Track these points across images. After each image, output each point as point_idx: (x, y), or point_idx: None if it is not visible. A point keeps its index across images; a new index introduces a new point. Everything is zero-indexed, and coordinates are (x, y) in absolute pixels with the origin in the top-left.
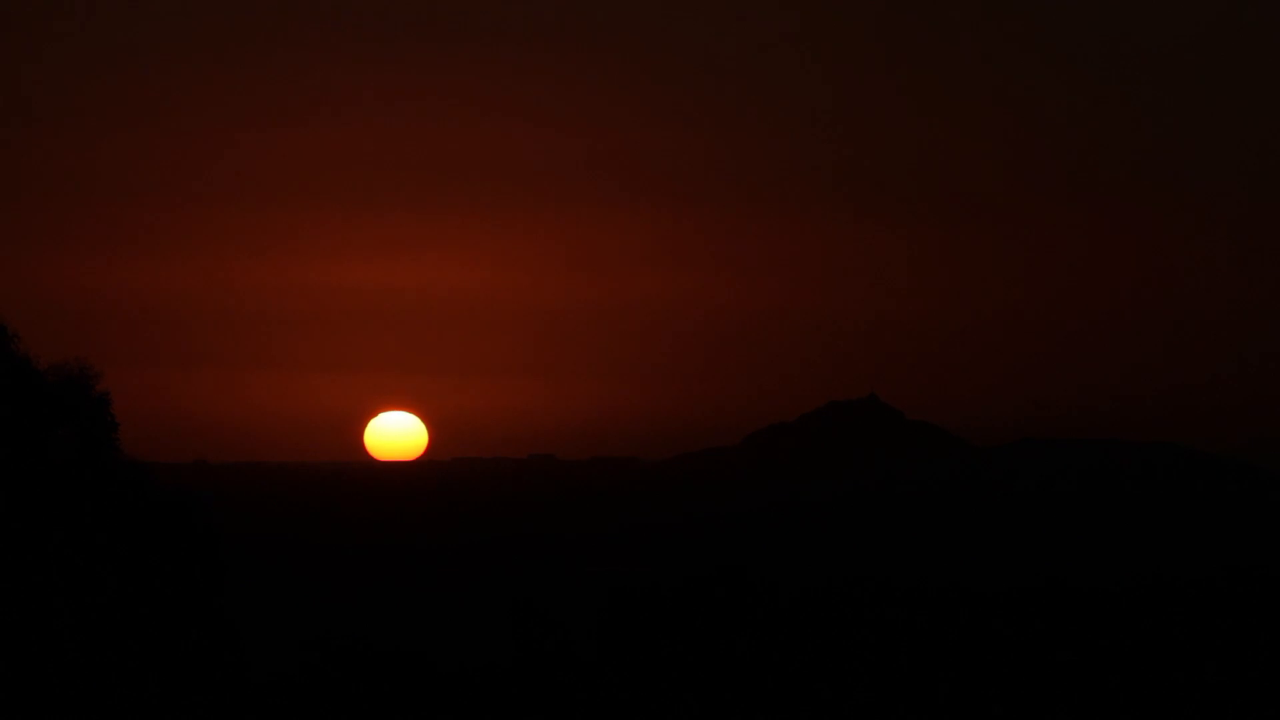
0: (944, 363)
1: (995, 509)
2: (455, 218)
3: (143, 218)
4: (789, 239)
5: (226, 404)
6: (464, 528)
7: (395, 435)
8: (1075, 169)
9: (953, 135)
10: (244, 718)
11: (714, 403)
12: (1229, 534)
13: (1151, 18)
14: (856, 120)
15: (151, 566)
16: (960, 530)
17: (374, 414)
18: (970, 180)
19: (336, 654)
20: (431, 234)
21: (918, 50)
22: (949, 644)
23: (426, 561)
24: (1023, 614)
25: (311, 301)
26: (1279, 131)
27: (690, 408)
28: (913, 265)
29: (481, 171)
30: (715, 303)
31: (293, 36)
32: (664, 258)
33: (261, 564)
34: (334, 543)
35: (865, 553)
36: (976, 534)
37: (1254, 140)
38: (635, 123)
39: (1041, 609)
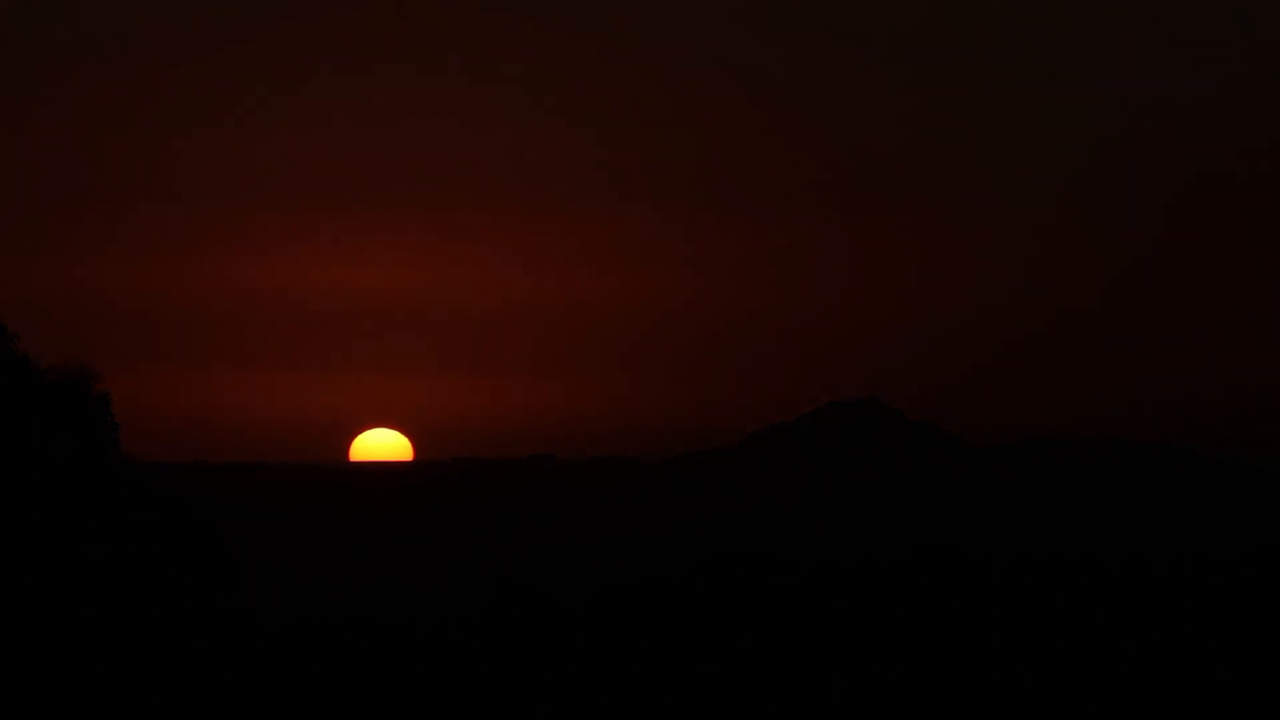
0: (944, 363)
1: (996, 509)
2: (455, 217)
3: (143, 218)
4: (790, 238)
5: (227, 404)
6: (464, 527)
7: (383, 447)
8: (1073, 165)
9: (947, 131)
10: (248, 714)
11: (714, 403)
12: (1229, 534)
13: None
14: (854, 119)
15: (152, 567)
16: (961, 530)
17: (377, 411)
18: (968, 178)
19: (339, 644)
20: (434, 234)
21: (900, 45)
22: (949, 642)
23: (426, 560)
24: (1023, 613)
25: (312, 302)
26: None
27: (690, 408)
28: (913, 265)
29: (483, 171)
30: (715, 303)
31: (288, 39)
32: (664, 257)
33: (262, 564)
34: (334, 542)
35: (866, 552)
36: (977, 534)
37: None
38: (635, 122)
39: (1042, 607)
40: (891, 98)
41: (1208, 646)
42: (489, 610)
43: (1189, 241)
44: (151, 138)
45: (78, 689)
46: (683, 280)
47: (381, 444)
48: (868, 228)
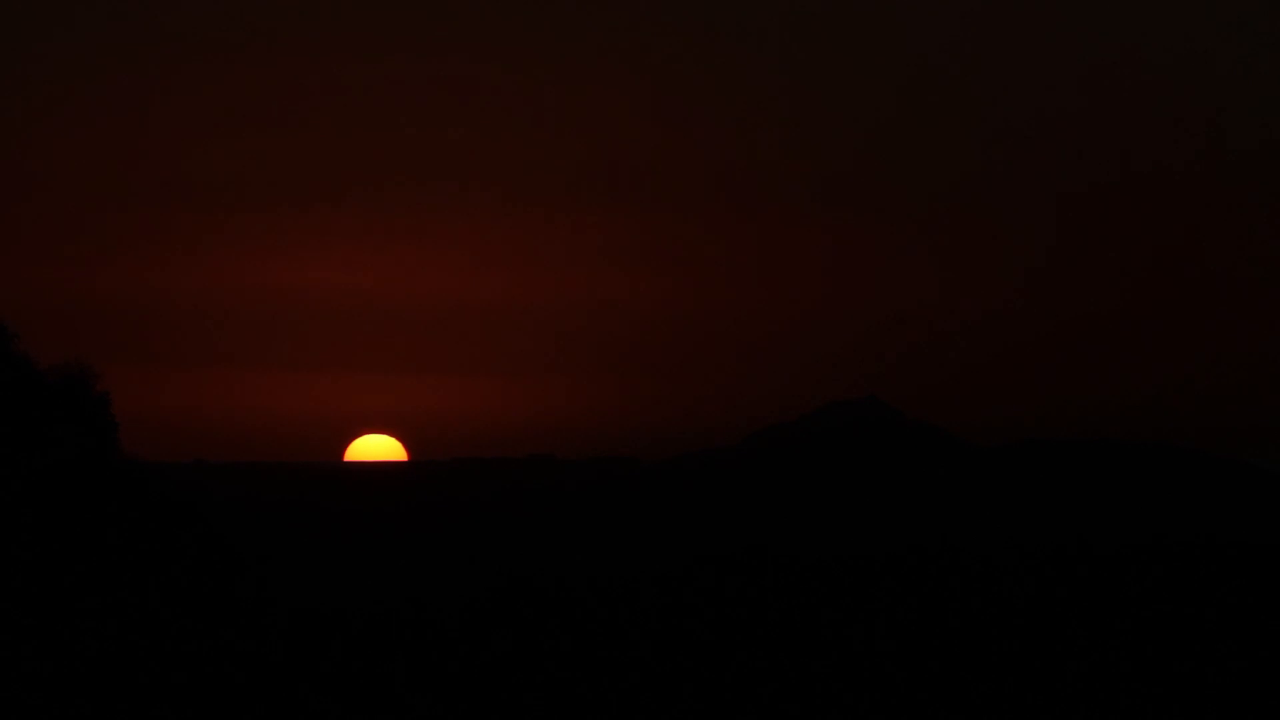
0: (944, 363)
1: (996, 508)
2: (455, 217)
3: (143, 218)
4: (789, 239)
5: (226, 404)
6: (463, 527)
7: (378, 450)
8: (1071, 165)
9: (946, 129)
10: (253, 712)
11: (714, 403)
12: (1229, 533)
13: None
14: (852, 118)
15: (152, 566)
16: (961, 530)
17: (375, 411)
18: (966, 177)
19: (343, 639)
20: (435, 235)
21: (896, 48)
22: (949, 640)
23: (425, 560)
24: (1023, 611)
25: (312, 302)
26: None
27: (690, 408)
28: (912, 265)
29: (482, 171)
30: (715, 303)
31: (284, 40)
32: (664, 258)
33: (261, 563)
34: (334, 541)
35: (865, 551)
36: (977, 533)
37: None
38: (634, 122)
39: (1042, 606)
40: (896, 92)
41: (1208, 644)
42: (486, 606)
43: (1189, 242)
44: (151, 138)
45: (79, 688)
46: (682, 280)
47: (377, 447)
48: (868, 227)
